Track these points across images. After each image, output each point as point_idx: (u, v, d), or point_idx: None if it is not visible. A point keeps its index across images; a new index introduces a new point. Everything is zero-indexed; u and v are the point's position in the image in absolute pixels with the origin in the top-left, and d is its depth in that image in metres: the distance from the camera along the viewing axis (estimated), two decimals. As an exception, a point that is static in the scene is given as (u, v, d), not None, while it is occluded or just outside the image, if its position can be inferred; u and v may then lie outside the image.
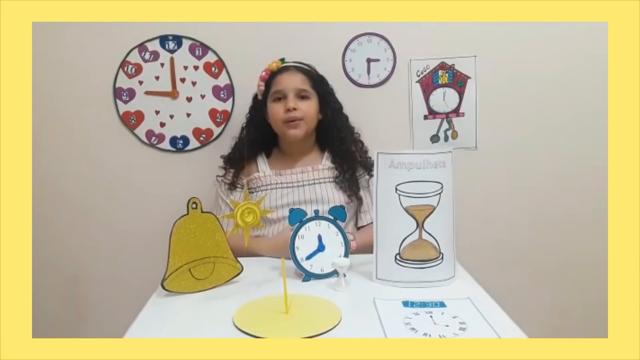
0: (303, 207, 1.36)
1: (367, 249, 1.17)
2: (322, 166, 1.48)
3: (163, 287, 1.04)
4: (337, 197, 1.43)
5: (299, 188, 1.43)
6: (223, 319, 0.93)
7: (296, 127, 1.42)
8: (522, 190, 1.75)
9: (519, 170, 1.75)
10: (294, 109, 1.40)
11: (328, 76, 1.54)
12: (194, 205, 1.07)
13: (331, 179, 1.46)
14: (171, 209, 1.71)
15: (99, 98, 1.67)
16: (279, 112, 1.42)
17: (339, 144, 1.49)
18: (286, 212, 1.34)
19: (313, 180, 1.44)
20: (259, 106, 1.50)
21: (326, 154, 1.51)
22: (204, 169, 1.67)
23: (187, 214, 1.07)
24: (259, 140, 1.51)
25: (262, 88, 1.46)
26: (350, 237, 1.34)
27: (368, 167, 1.48)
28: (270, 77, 1.45)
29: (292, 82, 1.43)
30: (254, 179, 1.46)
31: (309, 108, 1.44)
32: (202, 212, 1.08)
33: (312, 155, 1.51)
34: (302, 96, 1.43)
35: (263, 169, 1.48)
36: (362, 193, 1.48)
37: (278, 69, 1.45)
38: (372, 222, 1.34)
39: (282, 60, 1.48)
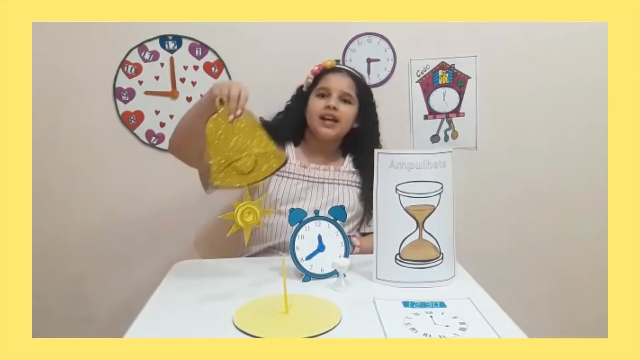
0: (319, 204, 1.38)
1: (369, 253, 1.17)
2: (343, 168, 1.49)
3: (212, 186, 1.05)
4: (355, 202, 1.44)
5: (320, 185, 1.43)
6: (223, 319, 0.93)
7: (330, 127, 1.44)
8: (522, 190, 1.76)
9: (519, 170, 1.75)
10: (334, 109, 1.42)
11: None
12: (221, 102, 1.07)
13: (350, 183, 1.47)
14: (171, 208, 1.72)
15: (98, 98, 1.67)
16: (319, 106, 1.43)
17: (368, 155, 1.48)
18: (301, 205, 1.34)
19: (333, 180, 1.45)
20: (300, 97, 1.52)
21: (348, 158, 1.52)
22: (204, 169, 1.67)
23: (217, 112, 1.06)
24: (291, 127, 1.52)
25: (311, 81, 1.49)
26: (356, 242, 1.34)
27: None
28: (321, 74, 1.48)
29: (340, 83, 1.45)
30: None
31: (348, 112, 1.45)
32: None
33: (335, 156, 1.53)
34: (344, 99, 1.45)
35: (290, 155, 1.48)
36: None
37: (331, 68, 1.48)
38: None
39: (337, 61, 1.51)
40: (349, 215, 1.36)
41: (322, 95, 1.45)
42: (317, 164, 1.46)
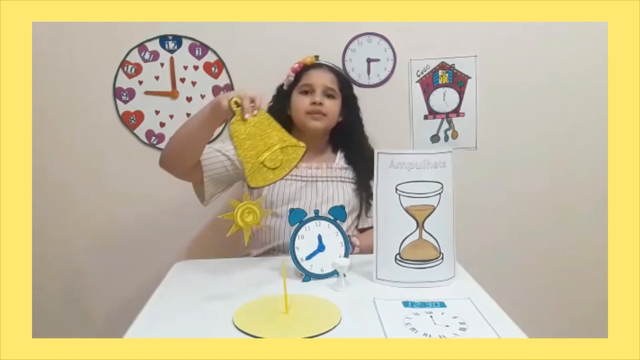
0: (315, 203, 1.38)
1: (370, 251, 1.17)
2: (335, 165, 1.49)
3: (250, 187, 1.11)
4: (349, 197, 1.44)
5: (314, 183, 1.44)
6: (223, 319, 0.93)
7: (318, 119, 1.44)
8: (522, 190, 1.76)
9: (518, 170, 1.75)
10: (320, 104, 1.42)
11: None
12: (236, 105, 1.11)
13: (343, 179, 1.47)
14: (171, 208, 1.72)
15: (98, 98, 1.67)
16: (304, 103, 1.43)
17: (357, 147, 1.51)
18: (296, 206, 1.34)
19: (326, 177, 1.45)
20: (282, 97, 1.51)
21: (339, 154, 1.52)
22: (204, 169, 1.67)
23: (234, 114, 1.11)
24: None
25: (292, 79, 1.48)
26: (356, 241, 1.34)
27: None
28: (301, 71, 1.48)
29: (322, 78, 1.45)
30: None
31: (333, 106, 1.46)
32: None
33: (325, 153, 1.52)
34: (328, 94, 1.45)
35: None
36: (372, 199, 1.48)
37: (311, 64, 1.48)
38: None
39: (316, 57, 1.51)
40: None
41: (306, 92, 1.45)
42: (309, 163, 1.47)
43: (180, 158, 1.29)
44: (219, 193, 1.40)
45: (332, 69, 1.49)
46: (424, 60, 1.69)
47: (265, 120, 1.13)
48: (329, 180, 1.45)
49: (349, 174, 1.48)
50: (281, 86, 1.52)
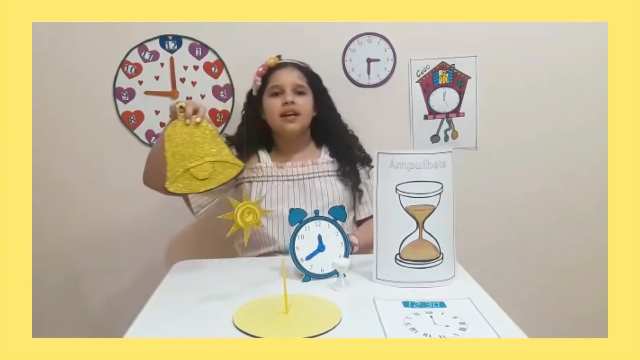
0: (304, 201, 1.39)
1: (369, 248, 1.17)
2: (321, 160, 1.48)
3: (165, 190, 1.09)
4: (338, 190, 1.44)
5: (300, 181, 1.44)
6: (223, 319, 0.93)
7: (293, 121, 1.44)
8: (522, 190, 1.76)
9: (519, 170, 1.75)
10: (292, 103, 1.42)
11: (328, 76, 1.55)
12: (181, 109, 1.12)
13: (330, 173, 1.47)
14: (171, 208, 1.72)
15: (98, 98, 1.67)
16: (277, 105, 1.43)
17: (337, 138, 1.52)
18: (285, 206, 1.34)
19: (313, 173, 1.45)
20: (253, 102, 1.51)
21: (324, 149, 1.52)
22: (204, 169, 1.67)
23: (177, 118, 1.12)
24: (257, 137, 1.51)
25: (259, 83, 1.48)
26: (354, 240, 1.34)
27: (366, 160, 1.51)
28: (267, 73, 1.47)
29: (290, 77, 1.45)
30: (255, 169, 1.47)
31: (306, 103, 1.45)
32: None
33: (309, 150, 1.52)
34: (298, 92, 1.45)
35: (264, 159, 1.49)
36: (361, 185, 1.49)
37: (275, 65, 1.47)
38: (371, 216, 1.35)
39: (279, 57, 1.50)
40: (338, 204, 1.36)
41: (276, 94, 1.44)
42: (293, 162, 1.46)
43: (159, 173, 1.29)
44: (208, 204, 1.40)
45: (297, 66, 1.49)
46: (424, 60, 1.69)
47: (209, 134, 1.14)
48: (315, 177, 1.45)
49: (335, 166, 1.48)
50: (250, 92, 1.52)
